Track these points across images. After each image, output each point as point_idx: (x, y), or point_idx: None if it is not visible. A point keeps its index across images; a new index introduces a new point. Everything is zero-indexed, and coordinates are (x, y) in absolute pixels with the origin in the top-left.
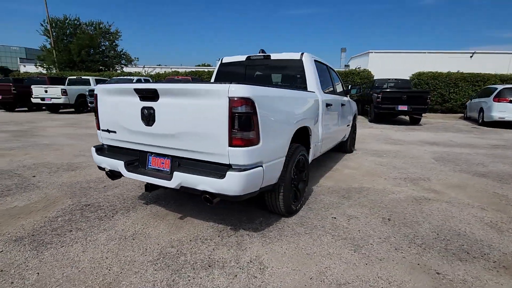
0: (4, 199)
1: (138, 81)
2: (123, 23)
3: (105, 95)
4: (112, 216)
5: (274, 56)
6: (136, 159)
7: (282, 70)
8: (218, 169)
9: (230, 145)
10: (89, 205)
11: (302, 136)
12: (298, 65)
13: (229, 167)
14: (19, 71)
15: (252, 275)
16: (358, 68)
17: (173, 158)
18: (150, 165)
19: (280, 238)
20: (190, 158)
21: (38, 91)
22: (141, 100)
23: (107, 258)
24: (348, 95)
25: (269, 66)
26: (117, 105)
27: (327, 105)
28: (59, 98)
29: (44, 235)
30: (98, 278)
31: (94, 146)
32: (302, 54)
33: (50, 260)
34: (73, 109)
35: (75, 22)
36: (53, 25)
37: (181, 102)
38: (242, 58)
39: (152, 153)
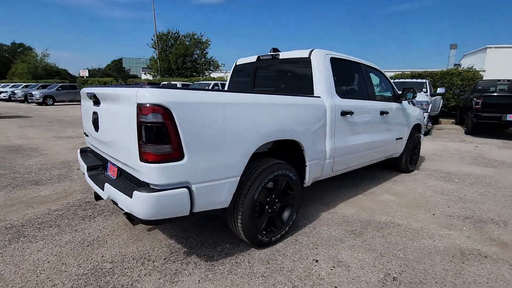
0: (38, 188)
1: (215, 85)
2: (217, 31)
3: (82, 99)
4: (94, 218)
5: (282, 55)
6: (101, 165)
7: (290, 71)
8: (135, 187)
9: (141, 159)
10: (89, 202)
11: (291, 151)
12: (306, 65)
13: (146, 185)
14: (140, 77)
15: None
16: (470, 66)
17: (119, 167)
18: (107, 172)
19: (226, 276)
20: (126, 169)
21: None
22: (93, 104)
23: (48, 262)
24: (402, 101)
25: (277, 67)
26: (85, 108)
27: (345, 113)
28: None
29: (29, 228)
30: (20, 283)
31: (80, 148)
32: (311, 51)
33: (8, 255)
34: None
35: (175, 35)
36: (159, 39)
37: (110, 107)
38: (253, 58)
39: (109, 160)
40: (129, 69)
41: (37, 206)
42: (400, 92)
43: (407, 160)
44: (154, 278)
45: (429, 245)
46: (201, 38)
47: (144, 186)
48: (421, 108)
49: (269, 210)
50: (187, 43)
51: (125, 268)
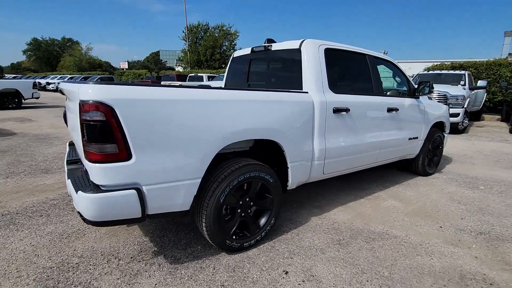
0: (46, 176)
1: None
2: (248, 21)
3: None
4: None
5: (275, 47)
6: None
7: (281, 63)
8: (88, 186)
9: (86, 158)
10: None
11: (273, 152)
12: (296, 57)
13: (97, 186)
14: (174, 69)
15: None
16: None
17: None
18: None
19: (185, 282)
20: None
21: None
22: (65, 99)
23: (23, 252)
24: (419, 96)
25: (270, 60)
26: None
27: (339, 110)
28: None
29: (21, 216)
30: None
31: (69, 141)
32: (302, 41)
33: None
34: None
35: (205, 27)
36: (190, 31)
37: (70, 103)
38: (248, 51)
39: None
40: (166, 61)
41: (38, 195)
42: (416, 87)
43: (424, 162)
44: (113, 277)
45: (424, 263)
46: (230, 30)
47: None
48: (455, 104)
49: (242, 214)
50: (216, 35)
51: (90, 265)
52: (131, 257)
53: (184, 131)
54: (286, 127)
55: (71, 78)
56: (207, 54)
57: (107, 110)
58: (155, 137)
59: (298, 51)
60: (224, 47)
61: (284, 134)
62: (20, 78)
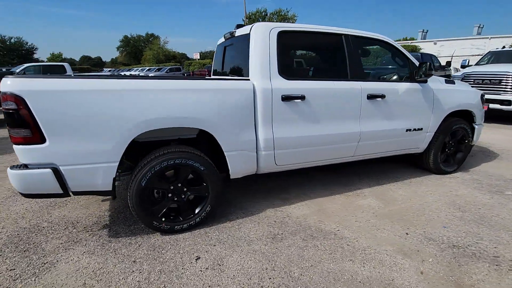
0: None
1: None
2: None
3: None
4: None
5: (238, 32)
6: None
7: (240, 50)
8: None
9: (11, 141)
10: None
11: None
12: (247, 42)
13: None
14: None
15: None
16: None
17: None
18: None
19: (106, 254)
20: None
21: None
22: None
23: (16, 214)
24: (426, 80)
25: (234, 46)
26: None
27: (290, 97)
28: None
29: None
30: None
31: None
32: (252, 25)
33: None
34: None
35: (263, 13)
36: (248, 19)
37: None
38: (223, 38)
39: None
40: None
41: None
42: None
43: (437, 158)
44: (59, 242)
45: (348, 270)
46: (287, 14)
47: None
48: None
49: (175, 199)
50: (274, 21)
51: (51, 229)
52: (84, 227)
53: (94, 119)
54: (217, 116)
55: (148, 69)
56: None
57: (18, 100)
58: (67, 124)
59: (248, 36)
60: None
61: (214, 122)
62: (114, 72)
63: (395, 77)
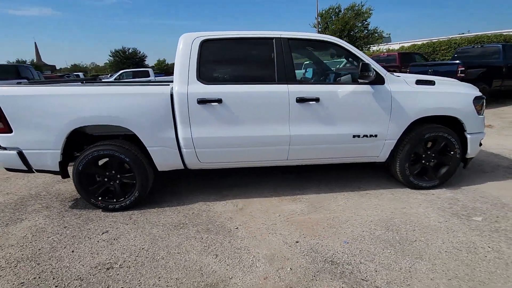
0: None
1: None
2: None
3: None
4: None
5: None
6: None
7: None
8: None
9: None
10: None
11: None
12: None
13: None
14: None
15: None
16: None
17: None
18: None
19: (56, 221)
20: None
21: None
22: None
23: (25, 186)
24: (383, 81)
25: None
26: None
27: (206, 101)
28: None
29: None
30: None
31: None
32: (182, 35)
33: None
34: None
35: (336, 9)
36: (321, 16)
37: None
38: None
39: None
40: None
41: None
42: (376, 71)
43: (403, 169)
44: (38, 206)
45: (203, 262)
46: (361, 8)
47: None
48: None
49: (111, 183)
50: (348, 17)
51: (43, 197)
52: (61, 199)
53: (40, 117)
54: (137, 116)
55: None
56: None
57: None
58: (25, 120)
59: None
60: (356, 29)
61: (135, 122)
62: None
63: (346, 79)
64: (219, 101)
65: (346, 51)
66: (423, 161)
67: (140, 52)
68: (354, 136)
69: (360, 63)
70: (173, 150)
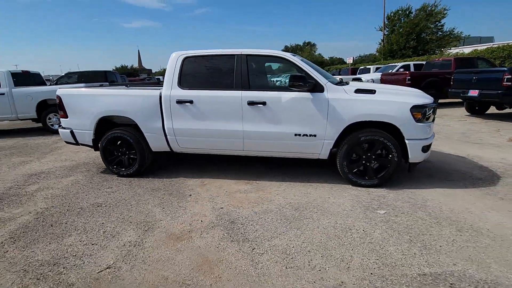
0: None
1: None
2: None
3: None
4: None
5: None
6: None
7: None
8: None
9: (60, 116)
10: None
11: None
12: None
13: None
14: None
15: None
16: None
17: None
18: None
19: (82, 178)
20: None
21: None
22: None
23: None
24: (319, 89)
25: None
26: None
27: (182, 101)
28: None
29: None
30: None
31: None
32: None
33: None
34: None
35: (407, 11)
36: (388, 19)
37: None
38: None
39: None
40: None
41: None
42: (315, 81)
43: (342, 167)
44: (84, 169)
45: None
46: (434, 9)
47: None
48: None
49: (122, 156)
50: (419, 18)
51: (83, 165)
52: (95, 165)
53: (82, 108)
54: (137, 111)
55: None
56: (401, 42)
57: (60, 98)
58: (74, 110)
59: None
60: (428, 31)
61: (136, 114)
62: None
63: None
64: (191, 102)
65: (291, 63)
66: (364, 162)
67: None
68: (295, 135)
69: (291, 75)
70: (161, 136)
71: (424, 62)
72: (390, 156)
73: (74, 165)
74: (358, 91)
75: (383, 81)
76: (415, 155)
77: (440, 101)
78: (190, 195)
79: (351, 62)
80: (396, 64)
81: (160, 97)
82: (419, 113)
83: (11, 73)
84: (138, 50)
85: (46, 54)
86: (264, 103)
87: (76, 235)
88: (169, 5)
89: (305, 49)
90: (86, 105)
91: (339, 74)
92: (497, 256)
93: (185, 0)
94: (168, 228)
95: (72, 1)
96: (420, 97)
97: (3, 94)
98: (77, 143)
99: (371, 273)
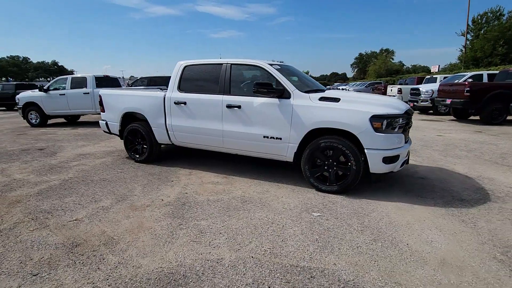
0: None
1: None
2: None
3: None
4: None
5: None
6: None
7: None
8: None
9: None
10: None
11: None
12: None
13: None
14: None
15: None
16: None
17: None
18: None
19: (128, 167)
20: None
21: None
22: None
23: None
24: (286, 96)
25: None
26: None
27: (178, 102)
28: (395, 95)
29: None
30: None
31: None
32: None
33: None
34: None
35: (497, 13)
36: (473, 22)
37: None
38: None
39: None
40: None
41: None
42: (284, 88)
43: (305, 170)
44: (117, 156)
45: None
46: None
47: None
48: None
49: (138, 146)
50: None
51: (117, 151)
52: (125, 151)
53: (113, 105)
54: (149, 108)
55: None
56: (486, 49)
57: (100, 97)
58: (109, 106)
59: None
60: None
61: (147, 112)
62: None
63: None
64: (184, 103)
65: (265, 71)
66: (326, 168)
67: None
68: (264, 137)
69: (256, 83)
70: (164, 130)
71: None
72: (349, 164)
73: (111, 151)
74: (322, 99)
75: (440, 92)
76: (376, 165)
77: (509, 117)
78: (172, 181)
79: (436, 70)
80: (464, 73)
81: (164, 98)
82: (379, 123)
83: (95, 77)
84: (220, 58)
85: (145, 59)
86: (239, 107)
87: (74, 197)
88: (252, 16)
89: (379, 57)
90: (115, 102)
91: (405, 84)
92: (386, 266)
93: (267, 11)
94: (135, 201)
95: (174, 16)
96: (386, 106)
97: (88, 93)
98: (110, 132)
99: (252, 256)
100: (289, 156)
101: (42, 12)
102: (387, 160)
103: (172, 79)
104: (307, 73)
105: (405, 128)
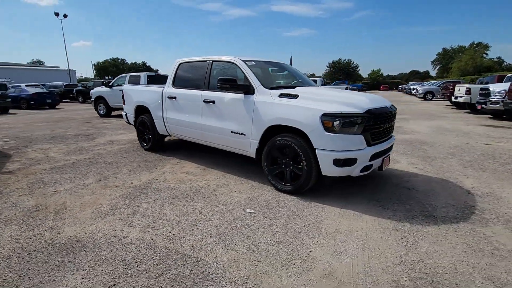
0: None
1: None
2: None
3: None
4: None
5: None
6: None
7: None
8: None
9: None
10: None
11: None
12: None
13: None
14: None
15: None
16: None
17: None
18: None
19: (141, 157)
20: None
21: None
22: None
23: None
24: (250, 92)
25: None
26: None
27: (171, 97)
28: (462, 96)
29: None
30: None
31: None
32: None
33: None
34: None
35: None
36: None
37: None
38: None
39: None
40: None
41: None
42: (250, 83)
43: (264, 167)
44: (130, 144)
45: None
46: None
47: None
48: None
49: (145, 136)
50: None
51: (135, 141)
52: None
53: (130, 99)
54: (151, 102)
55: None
56: None
57: (122, 91)
58: (127, 100)
59: None
60: None
61: (150, 104)
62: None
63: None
64: (175, 98)
65: (238, 68)
66: (283, 166)
67: (353, 62)
68: (231, 132)
69: (219, 78)
70: (162, 122)
71: None
72: (302, 164)
73: (133, 140)
74: (282, 95)
75: (510, 92)
76: (326, 168)
77: None
78: (156, 168)
79: None
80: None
81: (162, 93)
82: (329, 121)
83: (147, 75)
84: (291, 57)
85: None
86: (213, 102)
87: (72, 174)
88: (326, 12)
89: (466, 52)
90: (131, 97)
91: (486, 83)
92: (263, 268)
93: (343, 5)
94: (110, 182)
95: (250, 17)
96: (342, 104)
97: None
98: (129, 123)
99: (152, 239)
100: (252, 152)
101: (140, 19)
102: (339, 163)
103: (169, 76)
104: (378, 70)
105: (370, 129)
